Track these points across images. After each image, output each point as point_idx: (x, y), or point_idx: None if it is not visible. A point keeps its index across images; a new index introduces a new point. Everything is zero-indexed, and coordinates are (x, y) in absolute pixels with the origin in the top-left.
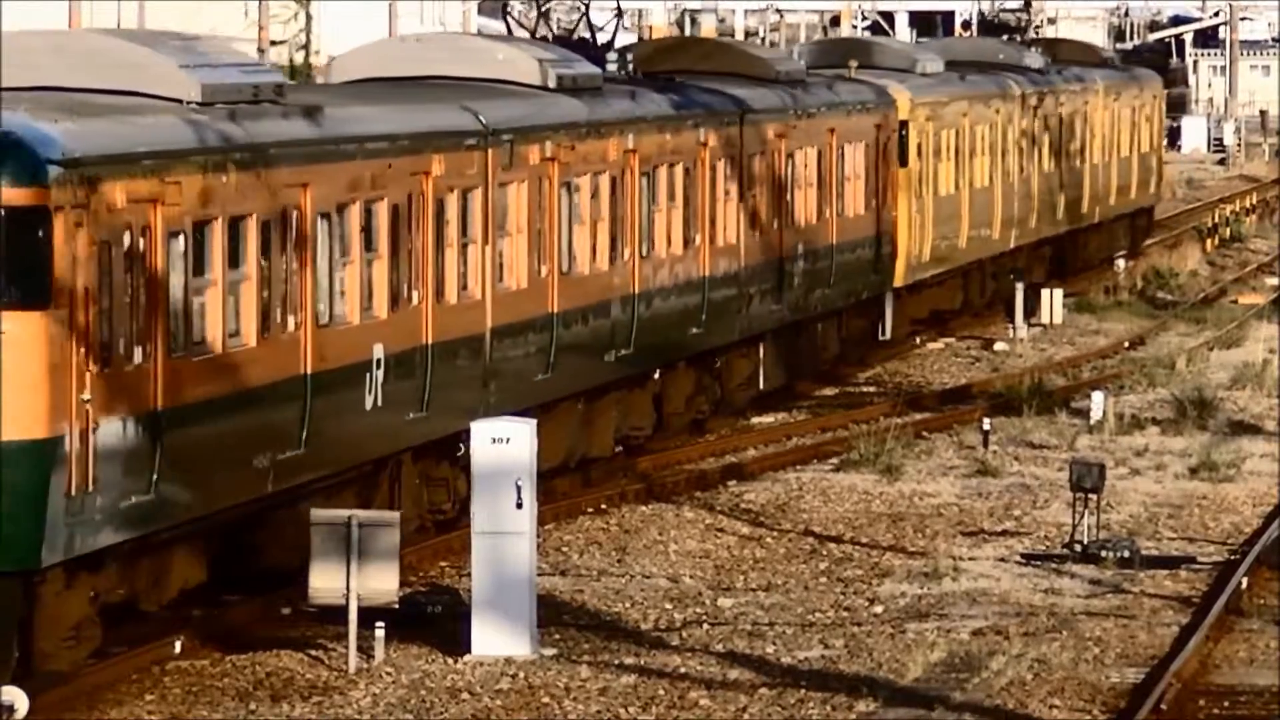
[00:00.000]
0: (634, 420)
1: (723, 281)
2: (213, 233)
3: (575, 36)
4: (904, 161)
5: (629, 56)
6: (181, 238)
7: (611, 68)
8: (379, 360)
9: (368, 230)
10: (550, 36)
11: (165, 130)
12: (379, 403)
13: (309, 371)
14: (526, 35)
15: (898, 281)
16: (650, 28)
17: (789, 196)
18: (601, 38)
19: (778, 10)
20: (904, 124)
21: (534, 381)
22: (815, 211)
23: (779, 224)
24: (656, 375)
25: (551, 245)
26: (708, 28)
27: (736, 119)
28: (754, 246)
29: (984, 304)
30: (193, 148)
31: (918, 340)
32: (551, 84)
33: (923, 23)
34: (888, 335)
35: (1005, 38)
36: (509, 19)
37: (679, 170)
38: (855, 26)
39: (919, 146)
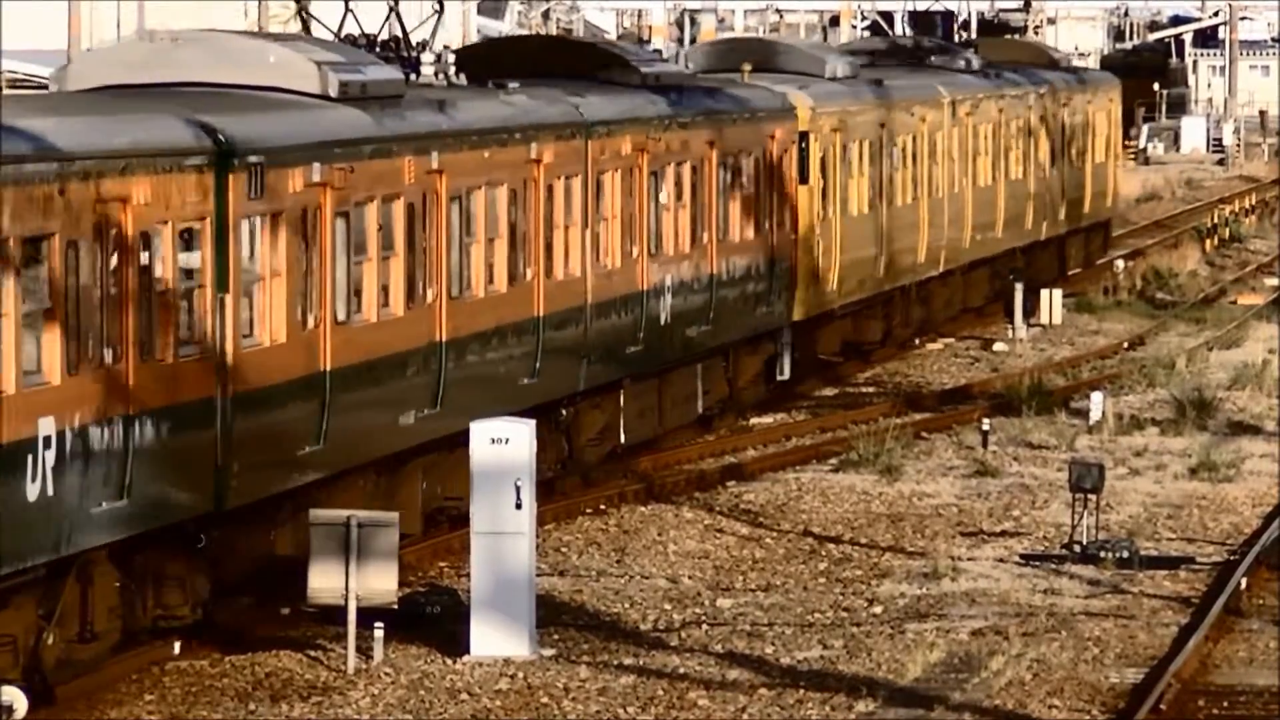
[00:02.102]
0: (450, 488)
1: (563, 322)
2: None
3: (383, 37)
4: (804, 178)
5: (449, 60)
6: None
7: (429, 72)
8: (48, 438)
9: (27, 273)
10: (359, 38)
11: None
12: (49, 491)
13: None
14: (329, 35)
15: (798, 314)
16: (650, 28)
17: (651, 220)
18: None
19: (778, 10)
20: (804, 135)
21: (299, 455)
22: (688, 237)
23: (639, 252)
24: None
25: (324, 289)
26: (707, 28)
27: (581, 130)
28: (605, 280)
29: (908, 334)
30: None
31: (917, 341)
32: (332, 92)
33: (923, 23)
34: (786, 375)
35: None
36: (303, 15)
37: (502, 193)
38: (855, 26)
39: (824, 160)
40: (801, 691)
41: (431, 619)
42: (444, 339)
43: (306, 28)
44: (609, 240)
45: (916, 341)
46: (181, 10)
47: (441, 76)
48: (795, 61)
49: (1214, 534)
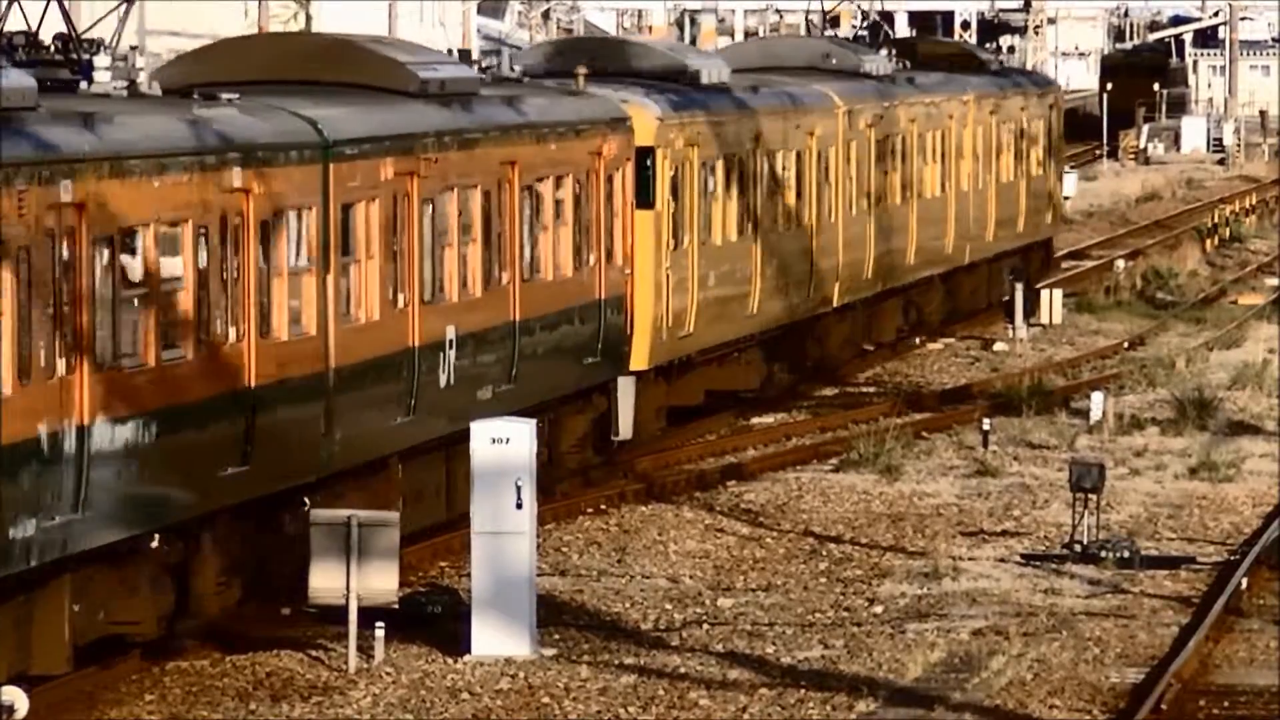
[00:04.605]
0: (118, 610)
1: (288, 394)
2: None
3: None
4: (647, 202)
5: (137, 64)
6: None
7: (105, 79)
8: None
9: None
10: (17, 35)
11: None
12: None
13: None
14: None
15: (638, 363)
16: (650, 28)
17: (426, 259)
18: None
19: (777, 10)
20: (647, 151)
21: None
22: (480, 278)
23: (406, 300)
24: (156, 543)
25: None
26: (707, 28)
27: (317, 152)
28: (357, 337)
29: (795, 382)
30: None
31: (917, 340)
32: None
33: (922, 23)
34: (626, 435)
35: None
36: None
37: (186, 231)
38: (854, 26)
39: (675, 180)
40: (802, 691)
41: (432, 619)
42: (87, 422)
43: None
44: (363, 287)
45: (917, 341)
46: (181, 10)
47: (121, 85)
48: (651, 64)
49: (1214, 534)
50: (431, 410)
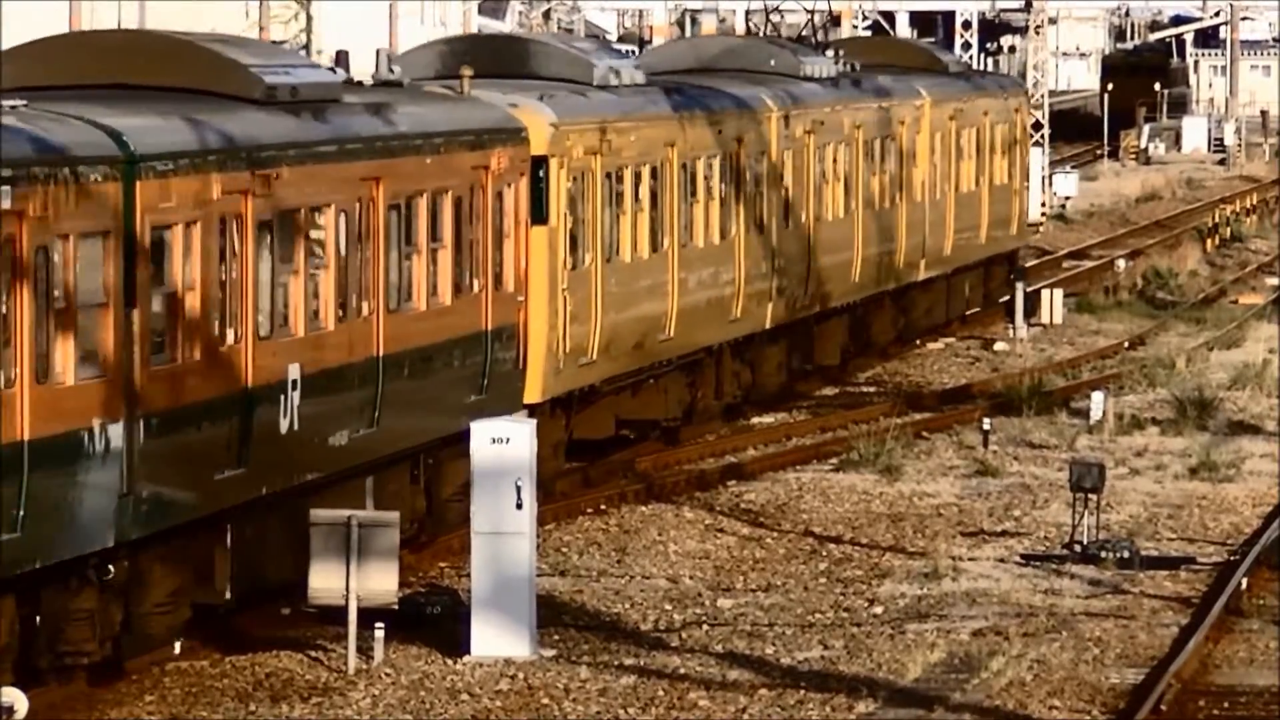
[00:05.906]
0: None
1: (76, 446)
2: None
3: None
4: (541, 217)
5: None
6: None
7: None
8: None
9: None
10: None
11: None
12: None
13: None
14: None
15: (533, 395)
16: (650, 28)
17: (263, 289)
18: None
19: (778, 10)
20: (541, 162)
21: None
22: (333, 309)
23: (242, 336)
24: None
25: None
26: (708, 28)
27: (116, 169)
28: (171, 379)
29: (721, 407)
30: None
31: (918, 340)
32: None
33: (923, 23)
34: None
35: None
36: None
37: None
38: (855, 27)
39: (573, 193)
40: (802, 692)
41: (432, 619)
42: None
43: None
44: (183, 322)
45: (917, 341)
46: (181, 10)
47: None
48: (552, 65)
49: (1214, 534)
50: (270, 461)
